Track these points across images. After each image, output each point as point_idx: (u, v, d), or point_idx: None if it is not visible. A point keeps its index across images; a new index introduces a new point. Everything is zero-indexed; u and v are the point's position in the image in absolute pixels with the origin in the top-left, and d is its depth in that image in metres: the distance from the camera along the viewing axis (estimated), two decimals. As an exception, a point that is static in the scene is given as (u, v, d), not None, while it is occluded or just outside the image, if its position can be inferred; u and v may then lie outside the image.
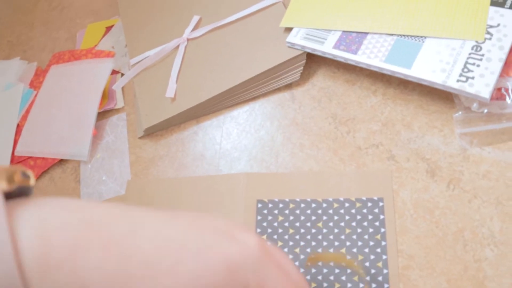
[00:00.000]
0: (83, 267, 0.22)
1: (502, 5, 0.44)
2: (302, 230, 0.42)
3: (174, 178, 0.49)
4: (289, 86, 0.52)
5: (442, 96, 0.46)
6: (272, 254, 0.27)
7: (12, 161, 0.58)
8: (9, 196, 0.23)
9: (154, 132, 0.54)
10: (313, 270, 0.40)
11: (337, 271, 0.40)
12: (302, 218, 0.42)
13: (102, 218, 0.24)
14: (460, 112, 0.44)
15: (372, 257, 0.40)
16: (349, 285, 0.39)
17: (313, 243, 0.41)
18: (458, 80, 0.41)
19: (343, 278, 0.39)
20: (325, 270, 0.40)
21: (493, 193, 0.42)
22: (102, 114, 0.58)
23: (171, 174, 0.50)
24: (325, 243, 0.41)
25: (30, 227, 0.22)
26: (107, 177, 0.53)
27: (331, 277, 0.39)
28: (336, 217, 0.42)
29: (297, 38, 0.49)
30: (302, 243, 0.41)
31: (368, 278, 0.38)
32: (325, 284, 0.39)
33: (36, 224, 0.22)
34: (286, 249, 0.41)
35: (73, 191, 0.54)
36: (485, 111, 0.43)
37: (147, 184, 0.50)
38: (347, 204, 0.42)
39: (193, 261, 0.23)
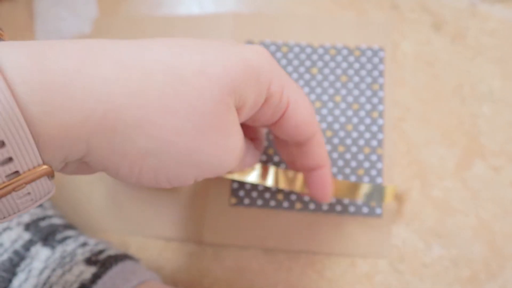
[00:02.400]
0: (95, 81, 0.19)
1: None
2: (295, 75, 0.38)
3: (150, 17, 0.43)
4: None
5: None
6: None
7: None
8: None
9: (125, -35, 0.46)
10: None
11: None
12: (296, 62, 0.39)
13: (103, 44, 0.21)
14: (475, -37, 0.40)
15: (368, 107, 0.37)
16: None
17: (306, 89, 0.38)
18: None
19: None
20: None
21: (498, 51, 0.39)
22: None
23: (146, 12, 0.44)
24: (319, 90, 0.38)
25: (18, 59, 0.18)
26: (68, 13, 0.46)
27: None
28: (332, 64, 0.38)
29: None
30: (294, 89, 0.38)
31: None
32: None
33: (26, 56, 0.18)
34: (276, 94, 0.38)
35: (26, 29, 0.47)
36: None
37: (117, 23, 0.44)
38: (345, 51, 0.39)
39: (215, 62, 0.22)
